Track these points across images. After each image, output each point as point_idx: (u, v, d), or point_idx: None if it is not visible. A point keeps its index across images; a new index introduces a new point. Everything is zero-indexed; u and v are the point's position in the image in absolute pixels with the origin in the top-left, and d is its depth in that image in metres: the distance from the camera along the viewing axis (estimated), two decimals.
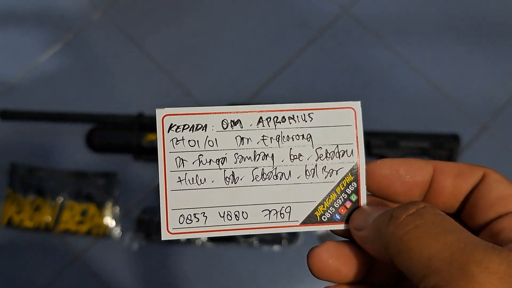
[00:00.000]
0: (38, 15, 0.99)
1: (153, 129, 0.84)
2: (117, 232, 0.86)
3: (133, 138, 0.86)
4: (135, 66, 0.96)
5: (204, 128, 0.19)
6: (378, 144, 0.87)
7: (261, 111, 0.21)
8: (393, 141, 0.87)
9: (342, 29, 0.98)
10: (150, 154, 0.87)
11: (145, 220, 0.86)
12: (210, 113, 0.20)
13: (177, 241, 0.85)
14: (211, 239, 0.85)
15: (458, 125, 0.91)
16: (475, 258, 0.15)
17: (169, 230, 0.20)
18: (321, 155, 0.20)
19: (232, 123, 0.20)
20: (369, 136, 0.88)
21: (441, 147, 0.87)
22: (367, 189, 0.21)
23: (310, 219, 0.20)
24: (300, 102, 0.90)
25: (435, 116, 0.92)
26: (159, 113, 0.21)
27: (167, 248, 0.86)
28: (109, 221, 0.86)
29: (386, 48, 0.96)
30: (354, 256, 0.20)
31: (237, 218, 0.20)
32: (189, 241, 0.85)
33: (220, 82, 0.95)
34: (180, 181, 0.20)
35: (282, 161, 0.20)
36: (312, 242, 0.86)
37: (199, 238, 0.85)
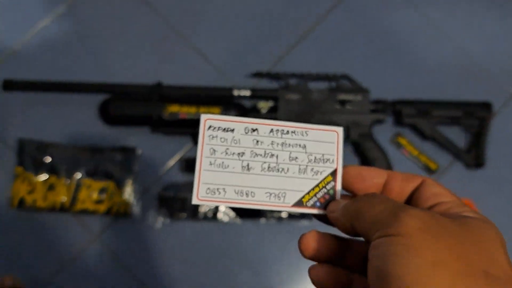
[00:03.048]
0: None
1: (174, 101, 0.78)
2: (137, 210, 0.81)
3: (153, 109, 0.80)
4: (151, 31, 0.88)
5: (232, 131, 0.26)
6: (409, 113, 0.84)
7: (273, 125, 0.27)
8: (424, 110, 0.84)
9: None
10: (170, 126, 0.82)
11: (168, 198, 0.81)
12: (238, 122, 0.27)
13: (204, 217, 0.81)
14: (239, 215, 0.81)
15: (488, 93, 0.88)
16: (403, 208, 0.22)
17: (198, 197, 0.27)
18: (311, 160, 0.27)
19: (252, 130, 0.27)
20: (401, 105, 0.84)
21: (472, 115, 0.84)
22: None
23: (299, 203, 0.28)
24: (324, 71, 0.83)
25: (464, 83, 0.89)
26: (203, 117, 0.27)
27: (191, 225, 0.82)
28: (129, 199, 0.80)
29: (415, 10, 0.91)
30: (331, 241, 0.27)
31: (247, 196, 0.27)
32: (215, 217, 0.81)
33: (241, 49, 0.89)
34: (211, 164, 0.26)
35: (283, 160, 0.27)
36: None
37: (227, 215, 0.81)
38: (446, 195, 0.24)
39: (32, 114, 0.84)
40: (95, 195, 0.79)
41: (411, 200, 0.26)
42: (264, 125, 0.27)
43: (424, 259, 0.20)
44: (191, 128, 0.82)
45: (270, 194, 0.27)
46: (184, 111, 0.81)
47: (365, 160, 0.83)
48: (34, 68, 0.86)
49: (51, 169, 0.79)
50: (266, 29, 0.90)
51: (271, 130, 0.27)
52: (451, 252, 0.21)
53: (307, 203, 0.27)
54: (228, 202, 0.27)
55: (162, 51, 0.88)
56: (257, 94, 0.83)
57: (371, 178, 0.26)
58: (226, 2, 0.90)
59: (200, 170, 0.26)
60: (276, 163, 0.27)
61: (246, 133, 0.27)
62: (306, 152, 0.27)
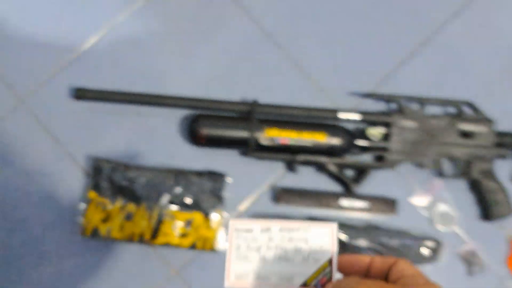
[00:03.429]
0: None
1: (271, 122, 0.67)
2: (225, 244, 0.71)
3: (250, 132, 0.69)
4: (243, 37, 0.77)
5: (251, 231, 0.34)
6: None
7: (281, 225, 0.35)
8: None
9: None
10: (267, 151, 0.71)
11: None
12: (255, 224, 0.35)
13: None
14: None
15: None
16: (358, 280, 0.30)
17: (229, 282, 0.34)
18: (312, 251, 0.34)
19: (266, 229, 0.34)
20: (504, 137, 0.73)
21: None
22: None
23: (304, 284, 0.34)
24: (439, 93, 0.69)
25: None
26: (231, 222, 0.35)
27: None
28: (217, 232, 0.70)
29: None
30: None
31: (263, 279, 0.35)
32: None
33: (344, 63, 0.77)
34: (237, 257, 0.34)
35: (290, 251, 0.34)
36: (453, 259, 0.73)
37: None
38: (408, 270, 0.31)
39: (104, 127, 0.73)
40: (179, 228, 0.69)
41: (387, 275, 0.32)
42: (274, 225, 0.34)
43: None
44: (289, 154, 0.71)
45: (282, 277, 0.34)
46: (285, 135, 0.70)
47: (483, 201, 0.73)
48: (104, 71, 0.74)
49: (130, 195, 0.69)
50: (373, 42, 0.78)
51: (280, 229, 0.34)
52: None
53: (311, 284, 0.33)
54: (250, 285, 0.34)
55: (255, 61, 0.76)
56: (367, 119, 0.72)
57: (358, 263, 0.33)
58: (329, 11, 0.78)
59: (230, 261, 0.33)
60: (285, 254, 0.34)
61: (261, 232, 0.34)
62: (307, 244, 0.34)
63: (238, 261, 0.33)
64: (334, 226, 0.33)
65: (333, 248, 0.33)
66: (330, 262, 0.33)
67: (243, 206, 0.73)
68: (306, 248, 0.33)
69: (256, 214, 0.73)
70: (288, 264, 0.33)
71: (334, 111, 0.72)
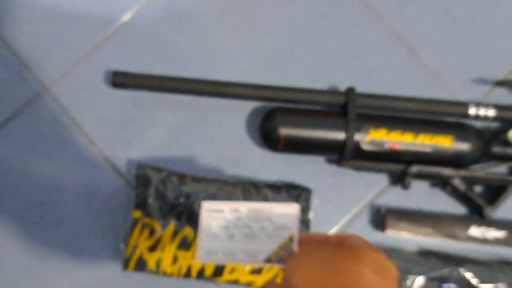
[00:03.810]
0: None
1: (377, 121, 0.48)
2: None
3: (349, 132, 0.50)
4: (329, 1, 0.58)
5: (222, 211, 0.37)
6: None
7: (249, 205, 0.37)
8: None
9: None
10: (368, 159, 0.52)
11: None
12: (225, 205, 0.37)
13: None
14: None
15: None
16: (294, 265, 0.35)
17: (199, 258, 0.37)
18: (275, 228, 0.37)
19: (235, 210, 0.37)
20: None
21: None
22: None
23: (267, 260, 0.37)
24: None
25: None
26: (204, 204, 0.37)
27: None
28: None
29: None
30: None
31: (231, 256, 0.37)
32: None
33: (466, 42, 0.57)
34: (208, 235, 0.37)
35: (256, 229, 0.37)
36: None
37: None
38: (358, 240, 0.33)
39: (149, 124, 0.56)
40: None
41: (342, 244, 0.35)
42: (243, 207, 0.37)
43: (300, 275, 0.32)
44: (400, 164, 0.52)
45: (247, 254, 0.37)
46: (395, 138, 0.51)
47: None
48: (148, 50, 0.57)
49: (186, 216, 0.51)
50: (503, 14, 0.58)
51: (248, 209, 0.37)
52: (321, 272, 0.31)
53: (273, 259, 0.37)
54: (219, 261, 0.37)
55: (346, 36, 0.57)
56: (504, 116, 0.52)
57: (315, 239, 0.36)
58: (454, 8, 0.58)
59: (201, 239, 0.36)
60: (251, 232, 0.37)
61: (231, 212, 0.37)
62: (271, 223, 0.37)
63: (209, 239, 0.36)
64: (295, 206, 0.37)
65: (295, 226, 0.36)
66: (291, 239, 0.36)
67: (333, 232, 0.55)
68: (270, 227, 0.36)
69: None
70: (254, 242, 0.36)
71: (463, 104, 0.53)
